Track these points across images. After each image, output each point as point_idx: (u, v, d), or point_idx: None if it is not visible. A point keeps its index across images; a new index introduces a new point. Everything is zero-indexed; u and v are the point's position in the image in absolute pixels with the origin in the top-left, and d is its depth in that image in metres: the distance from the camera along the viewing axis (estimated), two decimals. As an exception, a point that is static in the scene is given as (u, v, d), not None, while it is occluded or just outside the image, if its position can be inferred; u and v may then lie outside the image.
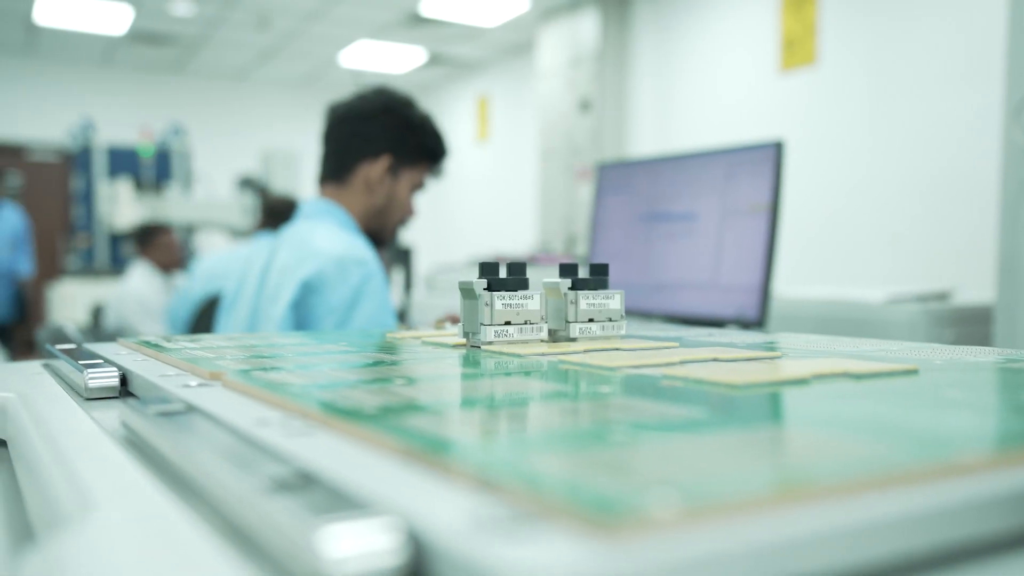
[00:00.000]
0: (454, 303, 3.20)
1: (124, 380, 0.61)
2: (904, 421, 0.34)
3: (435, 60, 6.65)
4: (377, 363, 0.58)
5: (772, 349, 0.65)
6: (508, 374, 0.52)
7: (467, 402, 0.42)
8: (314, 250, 1.61)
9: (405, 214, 1.83)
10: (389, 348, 0.69)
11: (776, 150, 1.81)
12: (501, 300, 0.67)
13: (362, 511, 0.24)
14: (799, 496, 0.24)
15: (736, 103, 4.58)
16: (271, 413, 0.41)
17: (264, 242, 3.34)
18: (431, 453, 0.29)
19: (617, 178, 2.24)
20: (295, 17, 5.68)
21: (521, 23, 5.76)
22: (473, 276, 2.68)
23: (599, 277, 0.72)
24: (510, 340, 0.68)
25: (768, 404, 0.40)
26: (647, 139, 5.17)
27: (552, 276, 2.40)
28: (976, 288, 2.73)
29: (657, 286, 2.05)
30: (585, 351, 0.64)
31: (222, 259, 3.06)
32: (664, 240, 2.07)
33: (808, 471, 0.26)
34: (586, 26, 5.28)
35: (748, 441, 0.31)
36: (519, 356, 0.62)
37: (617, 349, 0.66)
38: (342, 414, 0.38)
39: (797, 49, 4.39)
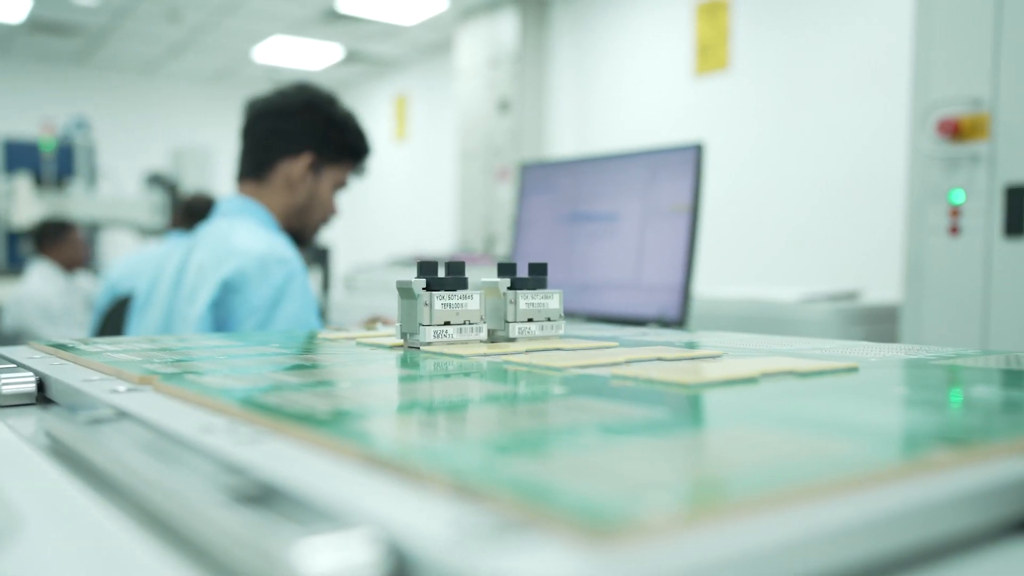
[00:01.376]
0: (374, 303, 3.16)
1: (40, 386, 0.57)
2: (863, 419, 0.35)
3: (352, 57, 6.56)
4: (316, 365, 0.56)
5: (711, 348, 0.66)
6: (456, 375, 0.51)
7: (423, 405, 0.40)
8: (234, 248, 1.56)
9: (327, 213, 1.80)
10: (324, 349, 0.67)
11: (696, 152, 1.84)
12: (440, 300, 0.66)
13: (337, 523, 0.23)
14: (794, 496, 0.23)
15: (652, 106, 4.65)
16: (213, 419, 0.39)
17: (175, 241, 3.24)
18: (399, 459, 0.28)
19: (540, 178, 2.24)
20: (207, 10, 5.53)
21: (440, 22, 5.74)
22: (393, 276, 2.66)
23: (538, 277, 0.72)
24: (449, 341, 0.67)
25: (725, 403, 0.40)
26: (566, 140, 5.21)
27: (476, 275, 2.38)
28: (882, 288, 2.83)
29: (580, 286, 2.06)
30: (527, 351, 0.64)
31: (136, 259, 2.95)
32: (587, 240, 2.08)
33: (793, 471, 0.25)
34: (505, 27, 5.29)
35: (720, 442, 0.30)
36: (461, 357, 0.61)
37: (558, 349, 0.65)
38: (293, 419, 0.36)
39: (711, 54, 4.49)
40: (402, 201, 6.63)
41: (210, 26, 5.89)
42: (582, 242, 2.10)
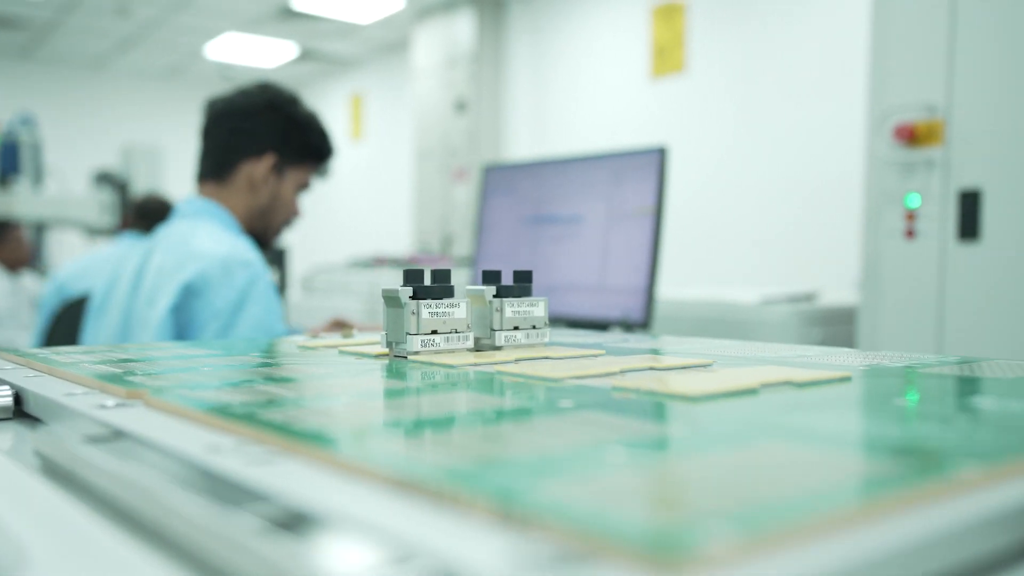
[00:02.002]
0: (332, 305, 3.12)
1: (16, 399, 0.55)
2: (881, 434, 0.35)
3: (307, 56, 6.48)
4: (308, 378, 0.55)
5: (698, 356, 0.66)
6: (457, 388, 0.50)
7: (434, 422, 0.40)
8: (196, 251, 1.54)
9: (290, 215, 1.78)
10: (309, 359, 0.66)
11: (660, 155, 1.85)
12: (428, 309, 0.65)
13: (386, 554, 0.22)
14: (846, 519, 0.23)
15: (609, 107, 4.68)
16: (218, 438, 0.38)
17: (128, 242, 3.16)
18: (433, 484, 0.27)
19: (503, 180, 2.24)
20: (158, 6, 5.42)
21: (396, 21, 5.70)
22: (353, 278, 2.63)
23: (523, 284, 0.71)
24: (436, 349, 0.66)
25: (738, 417, 0.40)
26: (523, 141, 5.22)
27: None
28: (839, 290, 2.88)
29: (544, 289, 2.06)
30: (517, 360, 0.63)
31: (87, 260, 2.88)
32: (550, 243, 2.09)
33: (839, 492, 0.25)
34: (462, 27, 5.28)
35: (752, 461, 0.30)
36: (451, 367, 0.60)
37: (547, 358, 0.65)
38: (305, 438, 0.35)
39: (667, 57, 4.53)
40: (358, 201, 6.58)
41: (160, 22, 5.78)
42: (546, 244, 2.10)
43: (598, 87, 4.76)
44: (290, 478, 0.31)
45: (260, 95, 1.72)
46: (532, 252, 2.12)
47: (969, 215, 1.79)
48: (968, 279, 1.79)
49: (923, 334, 1.86)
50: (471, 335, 0.68)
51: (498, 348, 0.69)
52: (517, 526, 0.24)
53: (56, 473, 0.39)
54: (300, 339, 0.87)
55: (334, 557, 0.23)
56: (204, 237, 1.57)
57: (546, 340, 0.72)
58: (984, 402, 0.43)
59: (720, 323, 2.16)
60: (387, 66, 6.40)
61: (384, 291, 0.66)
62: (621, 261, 1.91)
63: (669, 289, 2.61)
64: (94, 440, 0.38)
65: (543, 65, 5.09)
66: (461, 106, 5.26)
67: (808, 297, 2.29)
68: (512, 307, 0.69)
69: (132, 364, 0.62)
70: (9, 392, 0.55)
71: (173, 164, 6.16)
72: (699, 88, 4.21)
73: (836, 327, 2.14)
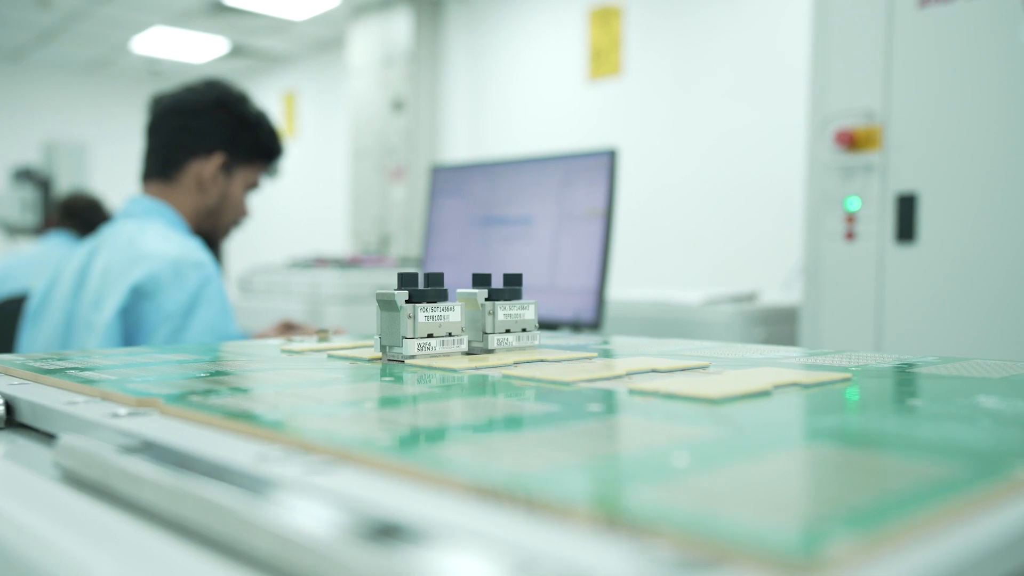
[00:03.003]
0: (272, 306, 3.07)
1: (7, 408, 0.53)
2: (917, 434, 0.36)
3: (238, 51, 6.35)
4: (316, 383, 0.54)
5: (687, 357, 0.68)
6: (476, 392, 0.50)
7: (478, 427, 0.40)
8: (145, 252, 1.50)
9: (239, 215, 1.75)
10: (303, 364, 0.65)
11: (610, 158, 1.88)
12: (424, 312, 0.65)
13: (507, 565, 0.22)
14: (937, 519, 0.24)
15: (547, 109, 4.71)
16: (259, 447, 0.37)
17: (56, 242, 3.05)
18: (520, 490, 0.28)
19: (452, 181, 2.24)
20: (82, -3, 5.25)
21: (331, 18, 5.63)
22: (293, 278, 2.59)
23: (513, 287, 0.72)
24: (432, 353, 0.66)
25: (770, 419, 0.41)
26: (461, 141, 5.21)
27: (379, 277, 2.36)
28: (780, 289, 2.95)
29: (494, 289, 2.06)
30: (515, 363, 0.64)
31: (12, 260, 2.77)
32: (501, 244, 2.09)
33: (920, 494, 0.26)
34: (399, 25, 5.24)
35: (818, 463, 0.31)
36: (454, 371, 0.60)
37: (542, 360, 0.66)
38: (357, 446, 0.35)
39: (604, 60, 4.58)
40: (291, 200, 6.47)
41: (84, 14, 5.59)
42: (496, 246, 2.11)
43: (535, 88, 4.79)
44: (364, 487, 0.31)
45: (208, 92, 1.68)
46: (482, 253, 2.12)
47: (906, 218, 1.85)
48: (905, 279, 1.86)
49: (862, 333, 1.92)
50: (465, 338, 0.68)
51: (490, 351, 0.69)
52: (626, 532, 0.24)
53: (88, 487, 0.38)
54: (273, 342, 0.85)
55: (452, 568, 0.23)
56: (153, 237, 1.54)
57: (536, 343, 0.72)
58: (989, 401, 0.45)
59: (666, 323, 2.19)
60: (321, 63, 6.32)
61: (379, 295, 0.66)
62: (572, 262, 1.92)
63: (612, 290, 2.64)
64: (129, 451, 0.37)
65: (481, 65, 5.09)
66: (398, 105, 5.23)
67: (749, 297, 2.34)
68: (504, 310, 0.70)
69: (119, 370, 0.61)
70: (0, 401, 0.53)
71: (98, 160, 5.96)
72: (636, 91, 4.26)
73: (778, 326, 2.20)
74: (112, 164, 6.52)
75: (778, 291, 2.86)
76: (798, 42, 3.33)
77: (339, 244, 5.72)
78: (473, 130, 5.15)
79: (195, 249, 1.53)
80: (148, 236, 1.54)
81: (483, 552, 0.23)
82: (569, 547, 0.24)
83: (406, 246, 5.06)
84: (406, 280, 0.66)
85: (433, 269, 2.23)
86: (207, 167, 1.63)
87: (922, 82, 1.84)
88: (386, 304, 0.65)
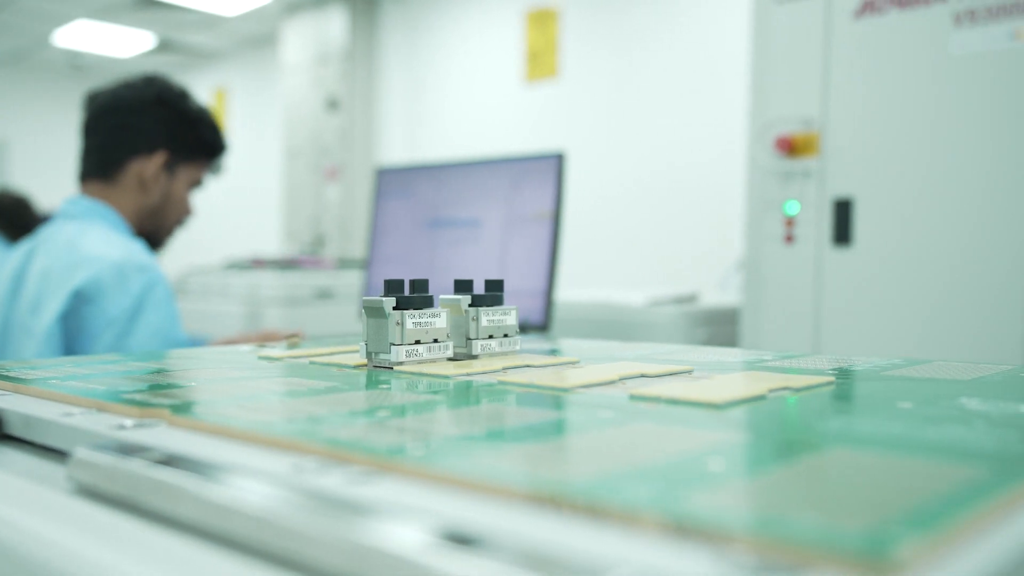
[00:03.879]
0: (209, 309, 3.01)
1: (-7, 420, 0.52)
2: (925, 437, 0.39)
3: (166, 46, 6.20)
4: (320, 391, 0.54)
5: (668, 362, 0.69)
6: (483, 399, 0.51)
7: (505, 436, 0.40)
8: (87, 255, 1.46)
9: (182, 214, 1.72)
10: (293, 372, 0.65)
11: (558, 161, 1.90)
12: (412, 319, 0.65)
13: (586, 570, 0.23)
14: (978, 523, 0.26)
15: (484, 110, 4.72)
16: (290, 458, 0.37)
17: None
18: (581, 498, 0.29)
19: (398, 183, 2.23)
20: (0, -13, 5.06)
21: (263, 14, 5.54)
22: (231, 280, 2.54)
23: (494, 293, 0.72)
24: (420, 359, 0.66)
25: (780, 422, 0.43)
26: (397, 141, 5.18)
27: (320, 279, 2.35)
28: (713, 289, 3.02)
29: (442, 291, 2.06)
30: (504, 368, 0.64)
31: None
32: (448, 246, 2.09)
33: (957, 497, 0.28)
34: (333, 23, 5.19)
35: (848, 466, 0.33)
36: (447, 377, 0.61)
37: (528, 366, 0.67)
38: (394, 456, 0.35)
39: (540, 62, 4.61)
40: (222, 199, 6.34)
41: (3, 4, 5.38)
42: (443, 248, 2.11)
43: (472, 90, 4.79)
44: (417, 497, 0.31)
45: (147, 89, 1.65)
46: (429, 255, 2.12)
47: (842, 222, 1.92)
48: (841, 281, 1.93)
49: (801, 333, 1.98)
50: (451, 344, 0.69)
51: (474, 357, 0.70)
52: (697, 538, 0.26)
53: (109, 501, 0.38)
54: (244, 348, 0.84)
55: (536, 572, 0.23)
56: (95, 240, 1.50)
57: (518, 348, 0.73)
58: (972, 403, 0.48)
59: (611, 324, 2.23)
60: (253, 60, 6.21)
61: (366, 301, 0.66)
62: (520, 265, 1.94)
63: (558, 291, 2.66)
64: (160, 463, 0.37)
65: (417, 65, 5.07)
66: (333, 104, 5.17)
67: (690, 298, 2.39)
68: (487, 316, 0.71)
69: (104, 379, 0.59)
70: (-13, 413, 0.51)
71: (17, 157, 5.75)
72: (573, 93, 4.30)
73: (720, 327, 2.25)
74: (33, 161, 6.30)
75: (714, 291, 2.93)
76: (735, 46, 3.41)
77: (272, 244, 5.63)
78: (410, 130, 5.13)
79: (139, 252, 1.49)
80: (89, 238, 1.50)
81: (571, 561, 0.24)
82: (648, 554, 0.25)
83: (342, 247, 5.01)
84: (393, 287, 0.67)
85: (379, 271, 2.22)
86: (149, 166, 1.60)
87: (858, 90, 1.90)
88: (373, 311, 0.66)
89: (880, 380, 0.58)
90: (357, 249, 5.04)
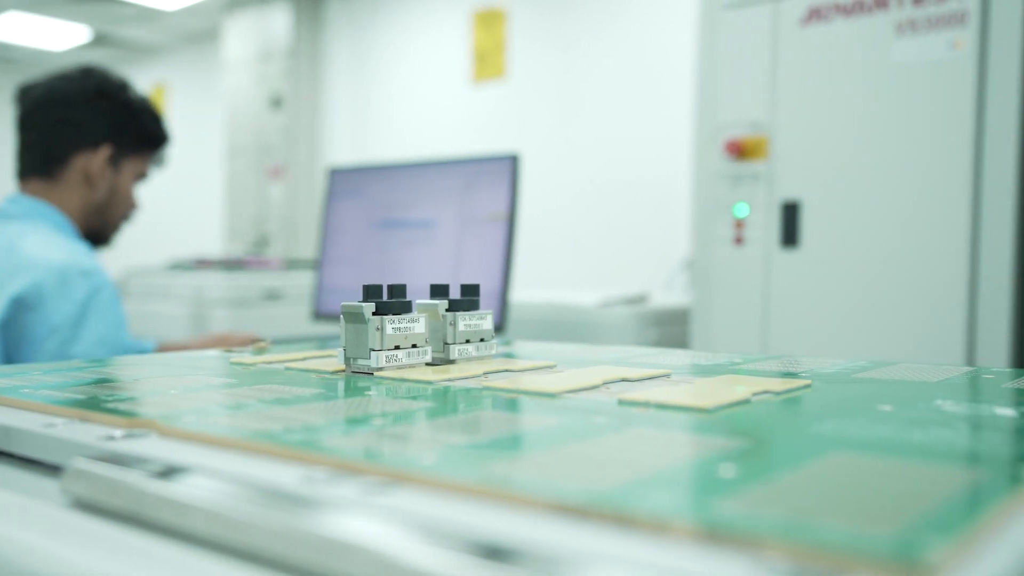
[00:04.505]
0: (152, 310, 2.94)
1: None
2: (914, 440, 0.40)
3: (101, 40, 6.04)
4: (304, 399, 0.54)
5: (641, 366, 0.70)
6: (482, 406, 0.51)
7: (509, 443, 0.41)
8: (27, 260, 1.41)
9: (128, 208, 1.69)
10: (271, 378, 0.64)
11: (513, 162, 1.91)
12: (391, 324, 0.65)
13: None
14: (991, 523, 0.27)
15: (431, 111, 4.70)
16: (298, 469, 0.37)
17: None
18: (608, 507, 0.29)
19: (350, 183, 2.21)
20: (-74, -24, 4.87)
21: (204, 9, 5.44)
22: (174, 281, 2.50)
23: (471, 298, 0.73)
24: (399, 365, 0.66)
25: (771, 428, 0.44)
26: (343, 140, 5.13)
27: (270, 280, 2.33)
28: (659, 289, 3.06)
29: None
30: (484, 374, 0.65)
31: None
32: (402, 247, 2.09)
33: (970, 499, 0.30)
34: (277, 20, 5.12)
35: (855, 471, 0.34)
36: (429, 383, 0.61)
37: (507, 371, 0.67)
38: (406, 466, 0.35)
39: (488, 62, 4.61)
40: (161, 198, 6.21)
41: (-71, -5, 5.19)
42: (396, 249, 2.10)
43: (419, 89, 4.77)
44: (438, 508, 0.31)
45: (87, 81, 1.61)
46: (382, 256, 2.11)
47: (790, 224, 1.96)
48: (789, 282, 1.97)
49: (750, 333, 2.02)
50: (429, 349, 0.69)
51: (451, 361, 0.70)
52: (728, 545, 0.26)
53: (108, 514, 0.37)
54: (211, 353, 0.83)
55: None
56: (36, 243, 1.45)
57: (494, 352, 0.74)
58: (947, 405, 0.50)
59: (564, 325, 2.24)
60: (194, 56, 6.09)
61: (345, 306, 0.66)
62: (475, 266, 1.94)
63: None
64: (163, 476, 0.36)
65: (363, 64, 5.03)
66: (277, 102, 5.10)
67: (641, 299, 2.42)
68: (464, 321, 0.71)
69: (77, 388, 0.58)
70: (-39, 425, 0.50)
71: (-56, 153, 5.53)
72: (521, 94, 4.32)
73: (671, 327, 2.28)
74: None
75: (661, 291, 2.97)
76: (681, 49, 3.46)
77: (214, 244, 5.52)
78: (356, 130, 5.09)
79: (83, 255, 1.46)
80: (30, 241, 1.45)
81: (609, 571, 0.25)
82: (686, 561, 0.25)
83: (287, 247, 4.95)
84: (371, 292, 0.66)
85: (331, 272, 2.20)
86: (94, 161, 1.56)
87: (805, 96, 1.95)
88: (353, 316, 0.65)
89: (854, 383, 0.60)
90: (302, 249, 4.98)
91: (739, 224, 2.04)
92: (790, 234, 1.97)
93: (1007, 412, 0.47)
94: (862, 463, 0.35)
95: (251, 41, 5.23)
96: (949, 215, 1.77)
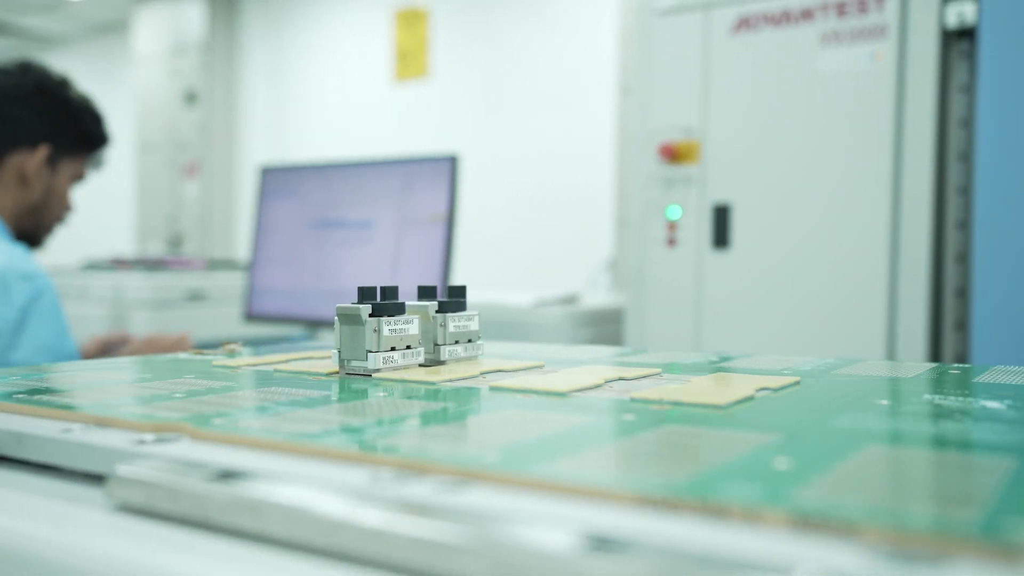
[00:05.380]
0: (69, 311, 2.83)
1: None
2: (932, 430, 0.43)
3: (1, 29, 5.76)
4: (323, 401, 0.54)
5: (622, 365, 0.72)
6: (505, 405, 0.52)
7: (562, 440, 0.42)
8: None
9: (63, 211, 1.63)
10: (270, 381, 0.63)
11: (452, 163, 1.91)
12: (388, 326, 0.65)
13: (767, 568, 0.25)
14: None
15: (353, 110, 4.66)
16: (361, 470, 0.37)
17: None
18: (697, 499, 0.31)
19: (284, 183, 2.18)
20: None
21: (113, 0, 5.25)
22: (89, 281, 2.42)
23: (458, 299, 0.73)
24: (395, 366, 0.66)
25: (791, 422, 0.46)
26: (261, 137, 5.03)
27: (194, 280, 2.29)
28: (583, 288, 3.11)
29: (332, 293, 2.04)
30: (480, 374, 0.66)
31: None
32: (338, 247, 2.07)
33: (1016, 485, 0.32)
34: (190, 13, 4.98)
35: (900, 461, 0.36)
36: (432, 384, 0.61)
37: (500, 371, 0.68)
38: (469, 463, 0.36)
39: (410, 61, 4.60)
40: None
41: None
42: (333, 249, 2.08)
43: (339, 88, 4.72)
44: (528, 504, 0.32)
45: (24, 77, 1.55)
46: (317, 256, 2.09)
47: (721, 226, 2.03)
48: (720, 283, 2.04)
49: (683, 332, 2.08)
50: (422, 351, 0.69)
51: (442, 362, 0.71)
52: (825, 531, 0.28)
53: (160, 518, 0.36)
54: (182, 356, 0.81)
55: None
56: (-30, 247, 1.39)
57: (481, 352, 0.75)
58: (937, 399, 0.53)
59: (499, 325, 2.26)
60: (101, 48, 5.87)
61: (340, 308, 0.66)
62: (414, 266, 1.94)
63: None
64: (227, 477, 0.36)
65: (282, 60, 4.94)
66: (191, 97, 4.97)
67: (572, 299, 2.46)
68: (454, 322, 0.71)
69: (77, 392, 0.56)
70: (-32, 433, 0.48)
71: None
72: (444, 94, 4.32)
73: (602, 327, 2.32)
74: None
75: (585, 291, 3.01)
76: (604, 53, 3.52)
77: (124, 243, 5.34)
78: (274, 127, 4.99)
79: (23, 258, 1.40)
80: (-35, 246, 1.39)
81: (732, 560, 0.26)
82: (787, 549, 0.27)
83: (203, 246, 4.82)
84: (366, 294, 0.67)
85: (263, 273, 2.17)
86: (30, 161, 1.50)
87: (735, 102, 2.02)
88: (349, 318, 0.65)
89: (838, 379, 0.63)
90: (217, 249, 4.86)
91: (672, 226, 2.10)
92: (721, 236, 2.03)
93: (995, 405, 0.51)
94: (902, 454, 0.38)
95: (163, 34, 5.08)
96: (870, 217, 1.86)
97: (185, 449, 0.42)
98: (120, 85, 5.60)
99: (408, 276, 1.95)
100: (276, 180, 2.18)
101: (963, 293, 1.82)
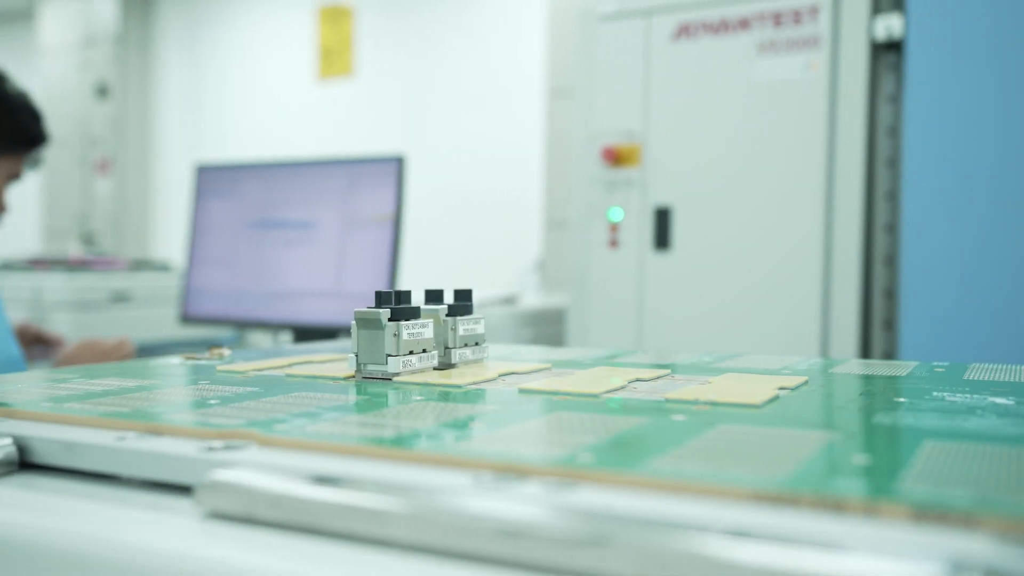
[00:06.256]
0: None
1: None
2: (965, 426, 0.46)
3: None
4: (372, 405, 0.54)
5: (646, 367, 0.75)
6: (540, 409, 0.53)
7: (643, 441, 0.43)
8: None
9: None
10: (294, 386, 0.63)
11: (398, 164, 1.91)
12: (407, 330, 0.66)
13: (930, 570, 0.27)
14: None
15: (274, 107, 4.57)
16: (459, 473, 0.38)
17: None
18: (809, 492, 0.33)
19: (220, 181, 2.14)
20: None
21: (18, -12, 5.02)
22: (9, 283, 2.33)
23: (464, 303, 0.74)
24: (413, 369, 0.67)
25: (840, 418, 0.49)
26: (178, 133, 4.89)
27: (117, 281, 2.24)
28: (512, 287, 3.13)
29: (273, 294, 2.01)
30: (498, 376, 0.67)
31: None
32: (279, 248, 2.04)
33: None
34: (102, 4, 4.80)
35: (965, 452, 0.39)
36: (459, 387, 0.62)
37: (514, 372, 0.69)
38: (566, 464, 0.37)
39: (335, 59, 4.54)
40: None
41: None
42: (274, 250, 2.05)
43: (261, 84, 4.63)
44: (645, 503, 0.34)
45: None
46: (257, 257, 2.05)
47: (662, 228, 2.08)
48: (661, 283, 2.09)
49: (625, 331, 2.12)
50: (436, 354, 0.70)
51: (452, 365, 0.72)
52: (943, 523, 0.30)
53: (251, 524, 0.36)
54: (174, 360, 0.80)
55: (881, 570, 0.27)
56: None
57: (487, 355, 0.76)
58: (944, 394, 0.57)
59: (442, 326, 2.25)
60: (5, 37, 5.60)
61: (359, 313, 0.66)
62: (360, 267, 1.92)
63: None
64: (324, 480, 0.36)
65: (199, 55, 4.81)
66: (103, 91, 4.79)
67: (512, 299, 2.48)
68: (464, 325, 0.72)
69: (110, 399, 0.55)
70: (10, 441, 0.46)
71: None
72: (369, 92, 4.28)
73: (543, 327, 2.35)
74: None
75: (513, 289, 3.03)
76: (532, 56, 3.55)
77: (30, 243, 5.11)
78: (192, 124, 4.86)
79: (-39, 257, 1.34)
80: None
81: (881, 552, 0.28)
82: (910, 538, 0.29)
83: (116, 245, 4.65)
84: (384, 298, 0.67)
85: (201, 273, 2.11)
86: None
87: (676, 107, 2.07)
88: (367, 322, 0.65)
89: (843, 378, 0.67)
90: (130, 248, 4.70)
91: (614, 228, 2.14)
92: (662, 237, 2.08)
93: (1003, 401, 0.55)
94: (962, 448, 0.41)
95: (73, 25, 4.88)
96: (804, 220, 1.93)
97: (261, 455, 0.42)
98: (26, 77, 5.34)
99: (354, 277, 1.93)
100: (213, 178, 2.13)
101: (891, 293, 1.92)
